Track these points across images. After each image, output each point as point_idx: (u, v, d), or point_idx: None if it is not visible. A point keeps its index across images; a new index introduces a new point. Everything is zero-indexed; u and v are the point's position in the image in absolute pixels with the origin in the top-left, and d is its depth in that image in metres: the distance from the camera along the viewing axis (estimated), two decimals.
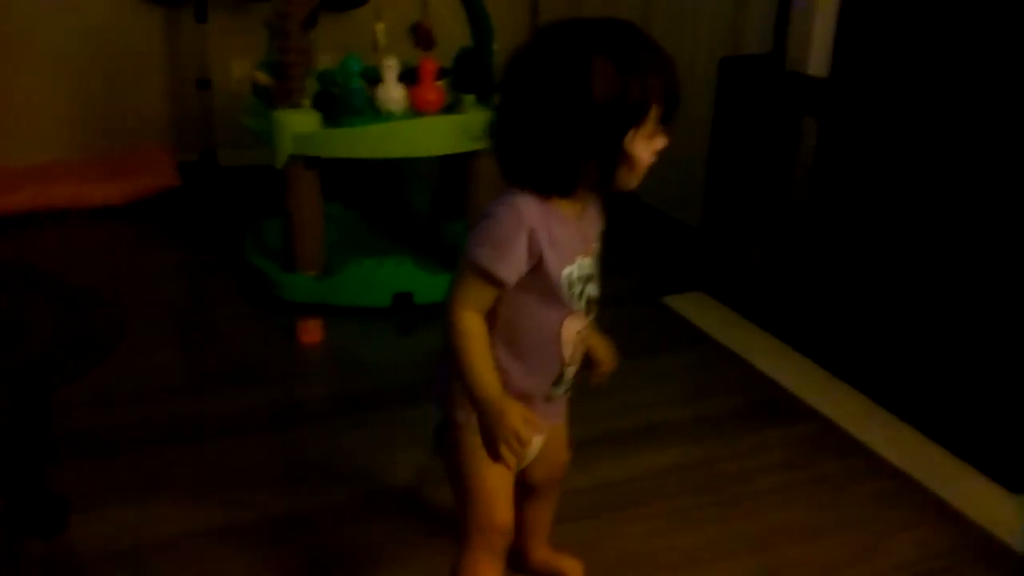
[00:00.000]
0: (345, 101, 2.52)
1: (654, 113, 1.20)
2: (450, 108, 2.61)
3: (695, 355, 2.50)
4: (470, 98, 2.64)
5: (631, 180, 1.25)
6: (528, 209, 1.23)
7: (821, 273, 2.47)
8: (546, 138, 1.20)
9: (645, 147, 1.22)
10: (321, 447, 2.04)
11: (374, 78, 2.55)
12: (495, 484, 1.36)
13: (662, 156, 1.25)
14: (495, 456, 1.21)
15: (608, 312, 1.50)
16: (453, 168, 2.83)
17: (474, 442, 1.29)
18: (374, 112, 2.53)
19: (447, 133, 2.55)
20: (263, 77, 2.61)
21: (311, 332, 2.45)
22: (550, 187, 1.24)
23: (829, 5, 2.44)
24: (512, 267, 1.23)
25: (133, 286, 2.79)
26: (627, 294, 2.73)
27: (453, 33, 2.64)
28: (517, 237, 1.22)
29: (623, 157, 1.21)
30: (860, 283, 2.39)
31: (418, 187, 3.18)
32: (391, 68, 2.50)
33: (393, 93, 2.51)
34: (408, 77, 2.56)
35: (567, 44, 1.20)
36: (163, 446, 2.01)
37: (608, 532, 1.80)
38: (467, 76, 2.65)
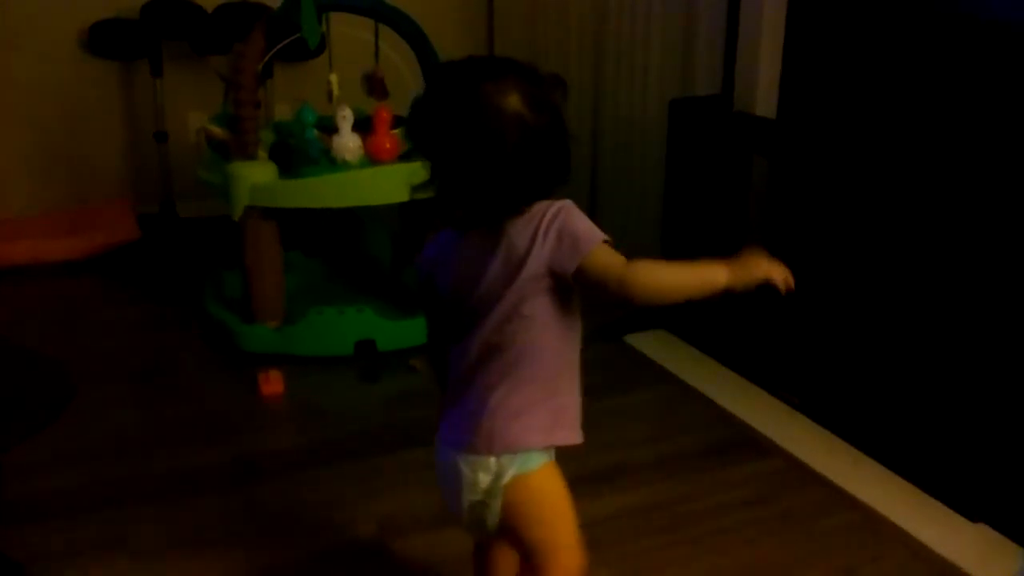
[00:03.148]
0: (301, 152, 2.53)
1: None
2: (406, 156, 2.63)
3: (658, 393, 2.51)
4: None
5: None
6: None
7: (779, 308, 2.50)
8: (531, 150, 1.23)
9: None
10: (285, 501, 2.02)
11: (330, 128, 2.56)
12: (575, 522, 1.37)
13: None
14: (780, 276, 1.27)
15: None
16: (412, 214, 2.84)
17: (560, 478, 1.34)
18: (330, 162, 2.54)
19: (403, 181, 2.54)
20: (217, 130, 2.61)
21: (272, 383, 2.43)
22: (555, 184, 1.27)
23: (774, 48, 2.50)
24: None
25: (93, 341, 2.77)
26: (589, 333, 2.73)
27: (406, 81, 2.66)
28: None
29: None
30: (818, 317, 2.42)
31: (378, 234, 3.19)
32: (346, 118, 2.52)
33: (348, 143, 2.52)
34: (363, 126, 2.57)
35: (498, 76, 1.25)
36: (122, 505, 1.98)
37: None
38: None
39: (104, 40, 3.54)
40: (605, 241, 1.23)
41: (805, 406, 2.36)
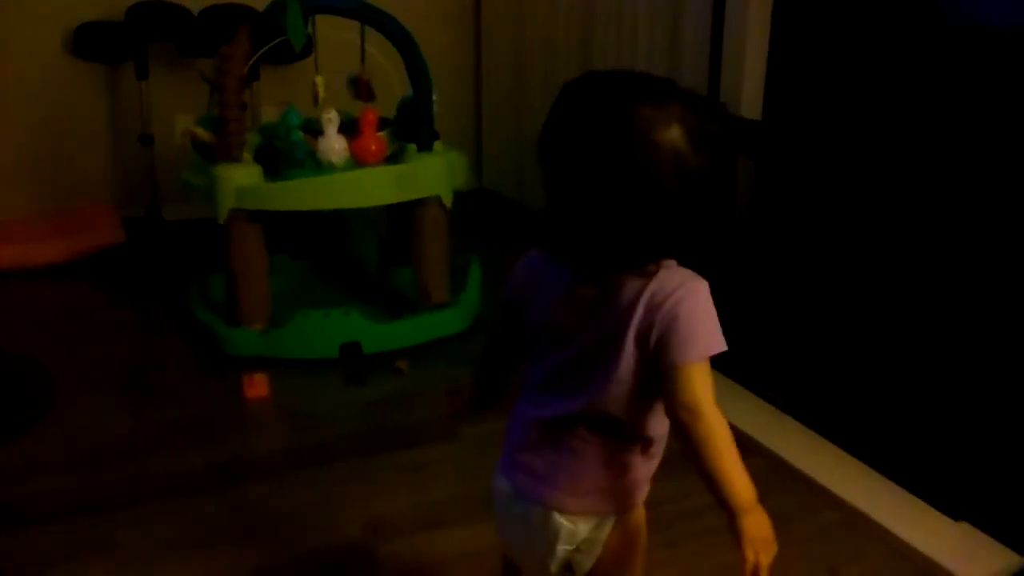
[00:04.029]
0: (286, 154, 2.53)
1: None
2: (392, 158, 2.63)
3: None
4: (412, 147, 2.67)
5: None
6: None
7: (763, 308, 2.51)
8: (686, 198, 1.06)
9: None
10: (270, 504, 2.01)
11: (315, 130, 2.57)
12: None
13: None
14: (762, 564, 1.08)
15: None
16: (399, 216, 2.84)
17: (644, 518, 1.28)
18: (316, 164, 2.54)
19: (390, 183, 2.57)
20: (202, 133, 2.61)
21: (257, 387, 2.43)
22: (695, 242, 1.12)
23: (759, 49, 2.51)
24: None
25: (78, 345, 2.76)
26: None
27: (393, 84, 2.66)
28: None
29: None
30: (802, 318, 2.43)
31: (364, 236, 3.19)
32: (331, 120, 2.52)
33: (334, 145, 2.52)
34: (349, 128, 2.57)
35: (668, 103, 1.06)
36: (105, 511, 1.97)
37: None
38: (409, 126, 2.68)
39: (89, 43, 3.53)
40: (716, 353, 1.11)
41: (789, 406, 2.37)
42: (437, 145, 2.72)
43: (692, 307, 1.10)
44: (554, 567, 1.25)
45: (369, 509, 1.98)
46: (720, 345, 1.12)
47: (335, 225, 3.17)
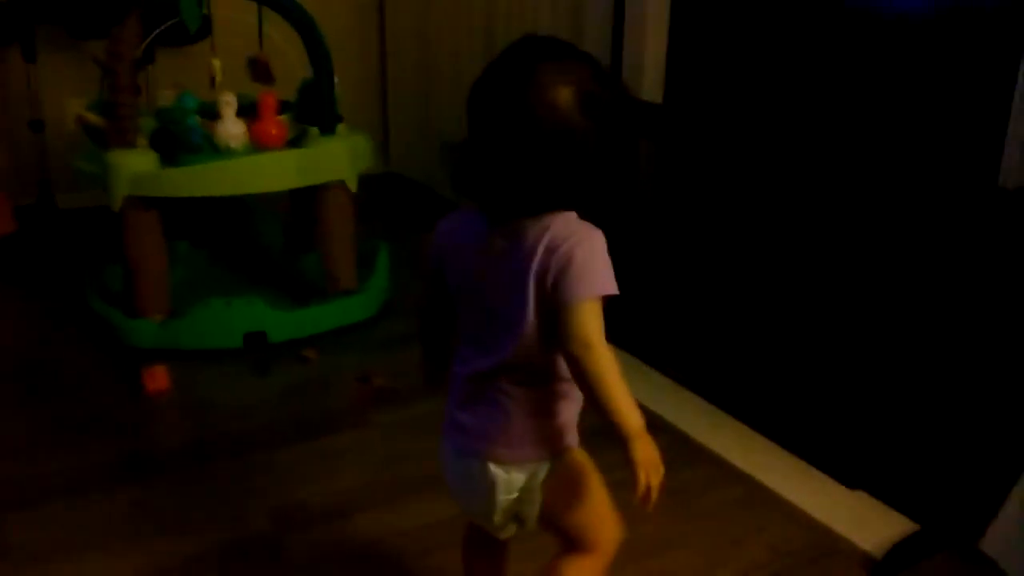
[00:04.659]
0: (182, 139, 2.46)
1: None
2: (294, 142, 2.58)
3: None
4: (314, 130, 2.62)
5: None
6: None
7: (663, 286, 2.55)
8: (582, 152, 1.15)
9: None
10: (172, 499, 1.97)
11: (213, 114, 2.50)
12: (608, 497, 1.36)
13: None
14: (653, 485, 1.15)
15: None
16: (303, 201, 2.79)
17: (587, 456, 1.32)
18: (213, 149, 2.48)
19: (291, 167, 2.52)
20: (93, 117, 2.52)
21: (157, 379, 2.37)
22: (586, 201, 1.20)
23: (659, 31, 2.54)
24: None
25: None
26: None
27: (293, 66, 2.61)
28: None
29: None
30: (700, 294, 2.48)
31: (268, 221, 3.13)
32: (229, 104, 2.46)
33: (232, 129, 2.47)
34: (248, 112, 2.52)
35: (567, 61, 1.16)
36: (2, 511, 1.89)
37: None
38: (310, 109, 2.63)
39: None
40: (608, 296, 1.16)
41: (688, 381, 2.41)
42: (340, 128, 2.68)
43: (587, 251, 1.16)
44: (498, 518, 1.31)
45: (278, 499, 1.95)
46: (612, 288, 1.17)
47: (236, 211, 3.10)
